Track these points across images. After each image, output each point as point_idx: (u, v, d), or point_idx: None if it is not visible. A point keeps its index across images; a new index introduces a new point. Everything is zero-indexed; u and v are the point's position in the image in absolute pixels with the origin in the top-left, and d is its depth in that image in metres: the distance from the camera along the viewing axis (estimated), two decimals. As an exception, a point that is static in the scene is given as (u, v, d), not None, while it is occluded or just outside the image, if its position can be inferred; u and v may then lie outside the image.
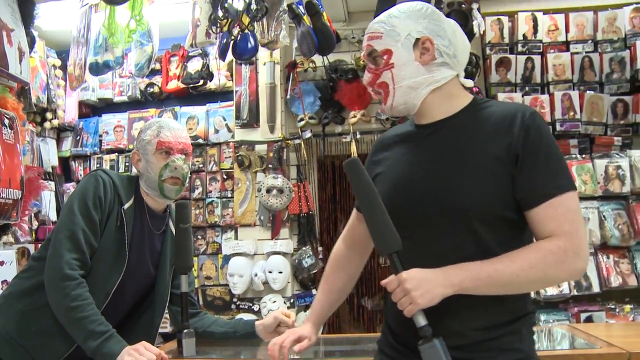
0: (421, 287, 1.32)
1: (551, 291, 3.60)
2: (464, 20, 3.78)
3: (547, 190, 1.36)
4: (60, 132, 4.72)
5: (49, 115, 4.40)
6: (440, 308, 1.35)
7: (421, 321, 1.35)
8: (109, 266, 1.97)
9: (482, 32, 3.89)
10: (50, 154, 4.48)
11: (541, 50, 4.04)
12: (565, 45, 4.05)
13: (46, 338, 1.90)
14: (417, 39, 1.47)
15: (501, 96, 3.89)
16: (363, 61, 1.61)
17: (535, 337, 1.51)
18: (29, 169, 2.74)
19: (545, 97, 3.92)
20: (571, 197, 1.37)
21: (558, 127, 3.83)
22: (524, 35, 4.05)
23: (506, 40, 4.10)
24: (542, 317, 3.58)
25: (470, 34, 3.79)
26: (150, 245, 2.11)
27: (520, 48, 4.05)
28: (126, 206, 2.02)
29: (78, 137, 4.69)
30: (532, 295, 3.48)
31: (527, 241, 1.45)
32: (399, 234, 1.41)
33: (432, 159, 1.47)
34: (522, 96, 3.91)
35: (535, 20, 4.04)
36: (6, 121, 2.43)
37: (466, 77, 3.82)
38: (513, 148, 1.37)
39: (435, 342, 1.33)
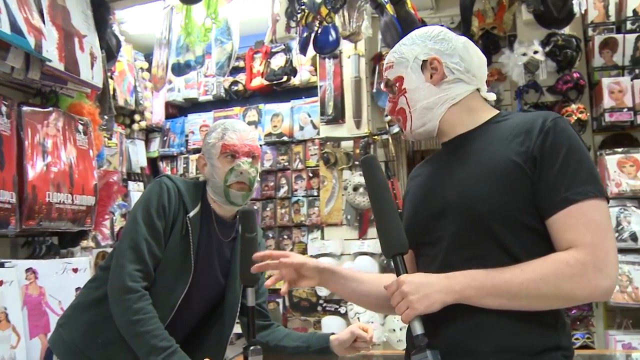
0: (419, 291, 1.24)
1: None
2: (563, 0, 3.45)
3: (566, 195, 1.23)
4: (148, 133, 4.81)
5: (137, 117, 4.48)
6: (452, 322, 1.28)
7: (417, 329, 1.24)
8: (174, 277, 1.88)
9: (583, 12, 3.54)
10: (138, 155, 4.56)
11: (656, 26, 3.60)
12: (688, 19, 3.58)
13: (112, 350, 1.84)
14: (424, 61, 1.46)
15: (606, 81, 3.49)
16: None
17: None
18: (107, 173, 2.73)
19: (660, 80, 3.49)
20: (596, 206, 1.23)
21: (676, 115, 3.40)
22: (634, 11, 3.61)
23: (612, 18, 3.68)
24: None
25: (569, 15, 3.46)
26: (219, 254, 2.01)
27: (629, 26, 3.61)
28: (192, 214, 1.93)
29: (165, 138, 4.75)
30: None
31: None
32: (423, 252, 1.41)
33: (452, 171, 1.41)
34: (632, 80, 3.50)
35: (648, -7, 3.61)
36: (80, 127, 2.42)
37: (565, 63, 3.47)
38: (531, 152, 1.27)
39: (427, 353, 1.21)
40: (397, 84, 1.48)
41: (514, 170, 1.27)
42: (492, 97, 1.52)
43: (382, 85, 1.57)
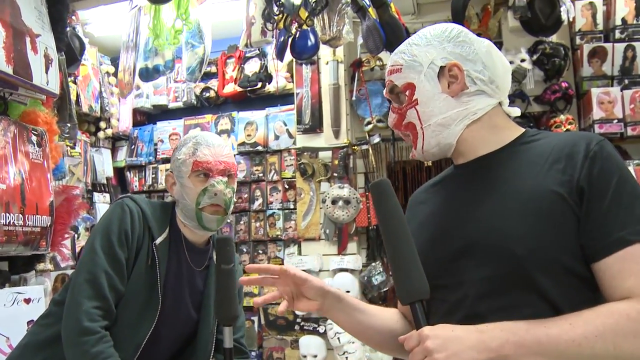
0: (447, 347, 1.01)
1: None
2: (551, 7, 3.33)
3: (622, 235, 1.03)
4: (115, 141, 4.57)
5: (102, 124, 4.23)
6: None
7: None
8: (139, 313, 1.66)
9: (571, 20, 3.44)
10: (104, 165, 4.31)
11: (645, 35, 3.50)
12: (679, 28, 3.48)
13: None
14: (442, 67, 1.24)
15: (595, 91, 3.39)
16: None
17: None
18: (67, 188, 2.47)
19: (649, 91, 3.38)
20: None
21: (666, 126, 3.30)
22: (623, 20, 3.52)
23: (600, 27, 3.58)
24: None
25: (557, 22, 3.33)
26: (190, 285, 1.78)
27: (618, 35, 3.53)
28: (158, 241, 1.70)
29: (133, 147, 4.51)
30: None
31: None
32: (439, 296, 1.18)
33: (476, 201, 1.19)
34: (621, 90, 3.40)
35: (638, 0, 3.49)
36: (33, 138, 2.16)
37: (554, 72, 3.31)
38: (576, 181, 1.07)
39: None
40: (407, 93, 1.25)
41: (557, 203, 1.07)
42: (515, 112, 1.30)
43: (385, 91, 1.34)
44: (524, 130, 1.25)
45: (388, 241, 1.12)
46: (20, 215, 2.04)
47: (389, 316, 1.39)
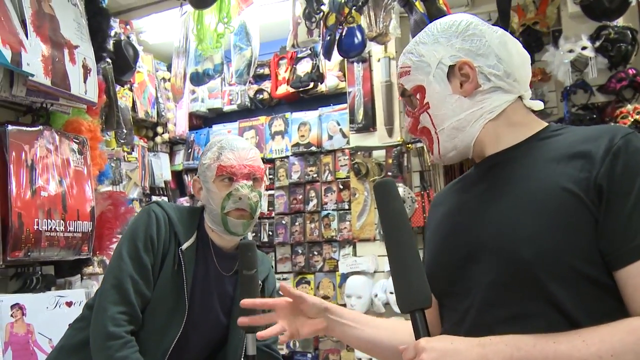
0: None
1: None
2: (615, -13, 3.13)
3: None
4: (172, 145, 4.65)
5: (159, 129, 4.32)
6: None
7: None
8: (166, 318, 1.65)
9: (640, -1, 3.21)
10: (162, 169, 4.39)
11: None
12: None
13: None
14: (452, 66, 1.14)
15: (666, 78, 3.16)
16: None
17: None
18: (113, 194, 2.52)
19: None
20: None
21: None
22: None
23: (676, 6, 3.34)
24: None
25: (623, 4, 3.13)
26: (219, 290, 1.76)
27: (695, 14, 3.28)
28: (185, 246, 1.69)
29: (190, 150, 4.58)
30: None
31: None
32: (449, 304, 1.13)
33: (486, 202, 1.11)
34: (699, 77, 3.15)
35: None
36: (75, 146, 2.21)
37: (619, 59, 3.07)
38: (594, 179, 0.96)
39: None
40: (418, 96, 1.17)
41: (570, 202, 0.97)
42: (538, 105, 1.18)
43: (399, 94, 1.28)
44: (545, 125, 1.14)
45: (388, 244, 1.05)
46: (62, 222, 2.09)
47: (403, 329, 1.28)
